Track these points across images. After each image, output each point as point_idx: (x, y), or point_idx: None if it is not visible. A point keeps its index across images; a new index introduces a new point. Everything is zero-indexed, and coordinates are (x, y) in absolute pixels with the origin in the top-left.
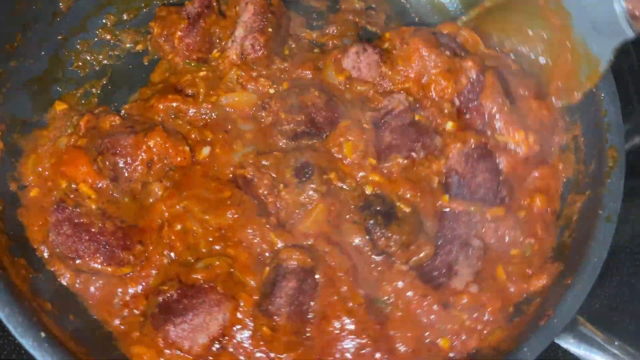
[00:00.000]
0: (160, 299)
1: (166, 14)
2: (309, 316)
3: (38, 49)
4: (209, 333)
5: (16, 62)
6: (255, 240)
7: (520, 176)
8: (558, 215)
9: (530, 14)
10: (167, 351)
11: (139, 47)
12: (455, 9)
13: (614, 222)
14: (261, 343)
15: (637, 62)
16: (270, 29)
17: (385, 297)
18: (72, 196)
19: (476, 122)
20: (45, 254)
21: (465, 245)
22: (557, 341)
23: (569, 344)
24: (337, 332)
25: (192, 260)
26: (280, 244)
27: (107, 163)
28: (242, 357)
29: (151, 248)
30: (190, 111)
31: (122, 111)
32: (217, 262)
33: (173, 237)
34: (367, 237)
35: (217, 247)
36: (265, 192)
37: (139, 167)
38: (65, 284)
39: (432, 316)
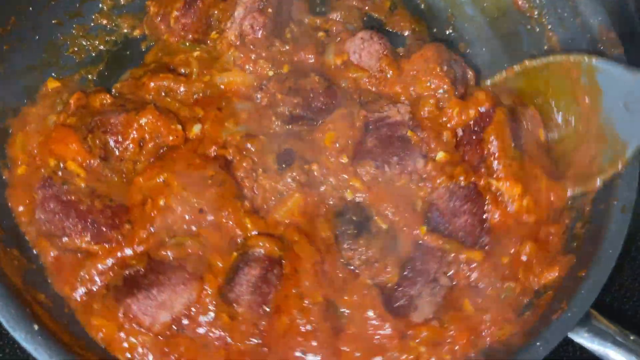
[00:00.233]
0: (127, 272)
1: None
2: (266, 308)
3: (32, 34)
4: (172, 311)
5: (9, 46)
6: (229, 224)
7: (509, 229)
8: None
9: (560, 88)
10: (127, 326)
11: (137, 33)
12: None
13: (629, 213)
14: (219, 330)
15: None
16: (270, 10)
17: (344, 309)
18: (60, 174)
19: (473, 158)
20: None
21: (433, 281)
22: (570, 336)
23: (583, 339)
24: (288, 329)
25: (167, 239)
26: (253, 231)
27: (98, 142)
28: (198, 342)
29: (135, 225)
30: (180, 89)
31: (113, 90)
32: (189, 242)
33: (154, 213)
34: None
35: (193, 228)
36: (243, 175)
37: (130, 146)
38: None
39: (387, 343)
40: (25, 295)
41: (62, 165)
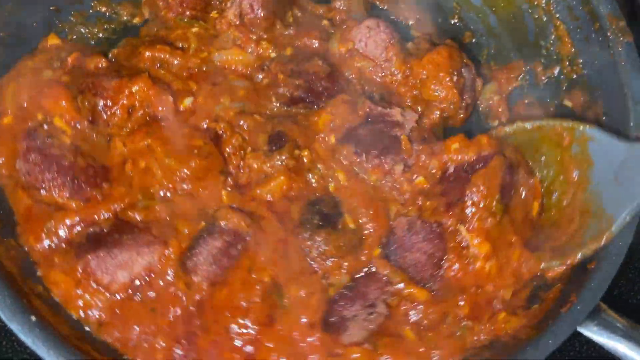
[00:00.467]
0: (92, 230)
1: None
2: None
3: (30, 20)
4: (131, 272)
5: (4, 33)
6: (205, 194)
7: (464, 287)
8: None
9: (549, 157)
10: (85, 283)
11: (136, 20)
12: None
13: None
14: (174, 297)
15: None
16: None
17: (287, 300)
18: (46, 128)
19: (452, 197)
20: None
21: (371, 306)
22: (579, 329)
23: (592, 332)
24: (225, 300)
25: (139, 201)
26: (227, 204)
27: (87, 103)
28: (148, 306)
29: (114, 184)
30: (175, 61)
31: (110, 55)
32: (159, 206)
33: (132, 173)
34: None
35: (168, 194)
36: (230, 152)
37: (119, 112)
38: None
39: (312, 355)
40: (23, 287)
41: (49, 120)
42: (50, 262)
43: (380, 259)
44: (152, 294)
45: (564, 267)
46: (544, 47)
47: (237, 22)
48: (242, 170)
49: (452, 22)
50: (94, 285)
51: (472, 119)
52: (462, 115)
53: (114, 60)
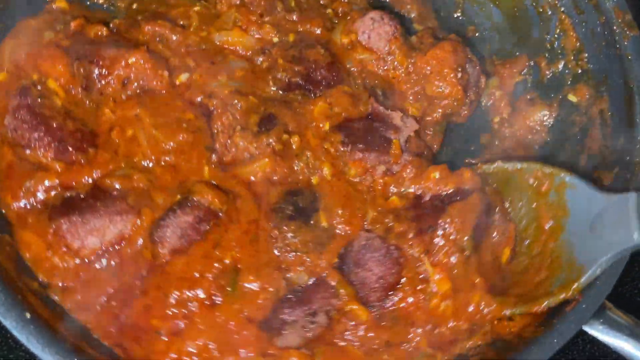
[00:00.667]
0: (68, 194)
1: None
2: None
3: (26, 9)
4: (102, 239)
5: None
6: (187, 167)
7: (413, 322)
8: None
9: (525, 202)
10: (55, 246)
11: (135, 6)
12: None
13: None
14: (137, 265)
15: None
16: None
17: (238, 288)
18: (39, 88)
19: (423, 224)
20: None
21: (312, 315)
22: (584, 328)
23: (597, 331)
24: (179, 270)
25: (119, 169)
26: (207, 180)
27: (82, 70)
28: (114, 273)
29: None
30: (173, 37)
31: (111, 25)
32: (137, 176)
33: (119, 140)
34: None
35: (150, 164)
36: (219, 129)
37: (113, 82)
38: None
39: (244, 350)
40: (18, 283)
41: (43, 80)
42: (24, 222)
43: (333, 269)
44: (117, 260)
45: (529, 312)
46: (548, 41)
47: (238, 2)
48: (228, 149)
49: (455, 15)
50: (64, 249)
51: (474, 114)
52: (465, 112)
53: (115, 30)
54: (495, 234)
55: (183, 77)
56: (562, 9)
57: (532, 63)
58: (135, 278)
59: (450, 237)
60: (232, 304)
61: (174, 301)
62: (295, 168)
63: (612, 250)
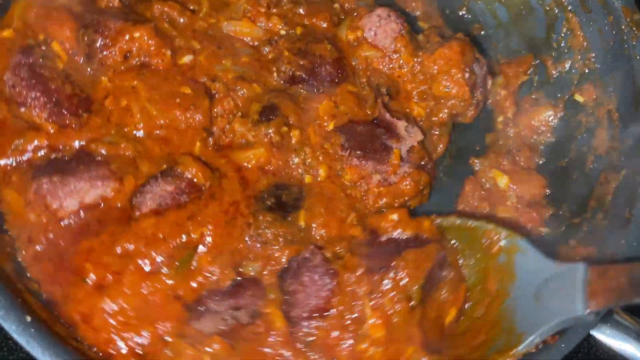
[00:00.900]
0: (54, 155)
1: None
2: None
3: None
4: (81, 201)
5: None
6: (179, 141)
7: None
8: None
9: (474, 261)
10: (34, 205)
11: None
12: None
13: None
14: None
15: None
16: None
17: (188, 266)
18: (43, 49)
19: (374, 262)
20: None
21: (235, 309)
22: (591, 332)
23: (605, 335)
24: (143, 228)
25: (108, 136)
26: (196, 155)
27: (86, 38)
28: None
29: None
30: (181, 20)
31: None
32: (124, 144)
33: (112, 108)
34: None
35: (141, 134)
36: (219, 113)
37: (115, 54)
38: None
39: (164, 321)
40: (17, 284)
41: (48, 42)
42: (8, 179)
43: (274, 272)
44: (92, 221)
45: None
46: (554, 40)
47: None
48: (225, 134)
49: (460, 13)
50: (43, 208)
51: (480, 114)
52: (472, 113)
53: (126, 3)
54: (445, 291)
55: (186, 58)
56: (569, 7)
57: (538, 62)
58: (100, 228)
59: (401, 283)
60: (169, 278)
61: (119, 251)
62: (291, 163)
63: (554, 320)
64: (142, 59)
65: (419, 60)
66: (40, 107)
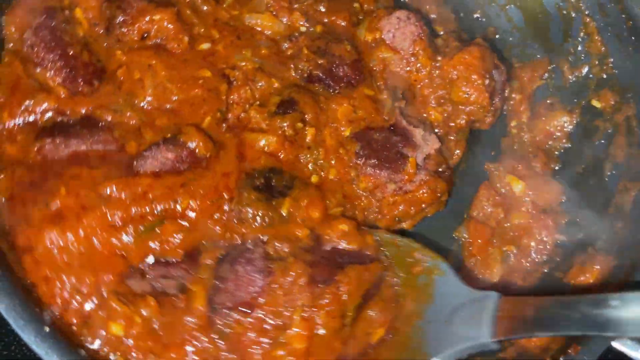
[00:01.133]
0: (59, 119)
1: None
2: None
3: None
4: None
5: None
6: (188, 115)
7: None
8: None
9: (401, 283)
10: (32, 162)
11: None
12: None
13: None
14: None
15: None
16: None
17: (150, 231)
18: (67, 14)
19: (317, 272)
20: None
21: (164, 278)
22: (612, 344)
23: (626, 346)
24: (131, 184)
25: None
26: (203, 127)
27: (108, 12)
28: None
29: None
30: (204, 7)
31: None
32: (130, 113)
33: (122, 78)
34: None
35: (149, 108)
36: (236, 100)
37: (133, 33)
38: None
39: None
40: (34, 294)
41: (72, 7)
42: (13, 138)
43: (215, 251)
44: (94, 156)
45: None
46: (571, 45)
47: None
48: (240, 121)
49: (475, 16)
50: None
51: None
52: (490, 119)
53: None
54: (376, 310)
55: (204, 45)
56: (587, 12)
57: (553, 67)
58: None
59: (342, 298)
60: (128, 237)
61: (101, 191)
62: (302, 160)
63: (460, 345)
64: (158, 41)
65: (437, 64)
66: (56, 71)
